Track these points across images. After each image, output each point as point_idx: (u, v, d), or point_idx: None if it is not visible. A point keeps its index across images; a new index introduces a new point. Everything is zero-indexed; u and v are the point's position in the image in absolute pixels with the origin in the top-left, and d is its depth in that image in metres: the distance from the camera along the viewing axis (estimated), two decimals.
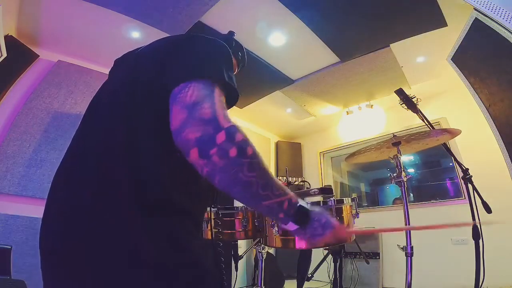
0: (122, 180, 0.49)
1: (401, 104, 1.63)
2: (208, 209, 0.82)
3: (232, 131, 0.47)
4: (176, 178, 0.54)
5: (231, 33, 0.85)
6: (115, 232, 0.46)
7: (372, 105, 3.68)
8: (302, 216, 0.56)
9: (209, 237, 0.79)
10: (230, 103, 0.60)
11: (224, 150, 0.45)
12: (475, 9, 1.59)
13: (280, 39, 2.52)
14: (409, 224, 1.43)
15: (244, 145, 0.47)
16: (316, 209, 0.60)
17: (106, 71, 0.78)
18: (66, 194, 0.52)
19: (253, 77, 2.97)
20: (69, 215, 0.49)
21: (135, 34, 2.29)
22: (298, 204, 0.56)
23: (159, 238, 0.47)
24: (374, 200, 4.59)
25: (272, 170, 4.44)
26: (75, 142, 0.60)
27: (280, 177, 4.22)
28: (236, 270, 1.99)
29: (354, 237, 1.22)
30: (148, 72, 0.60)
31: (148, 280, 0.44)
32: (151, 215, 0.48)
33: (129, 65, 0.69)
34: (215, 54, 0.62)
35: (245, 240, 2.96)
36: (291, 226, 0.56)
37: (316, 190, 1.61)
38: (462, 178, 1.48)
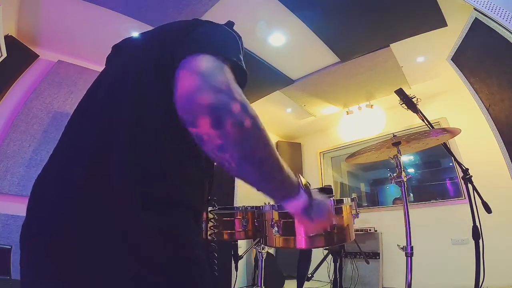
0: (120, 168, 0.46)
1: (401, 104, 1.63)
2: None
3: (246, 103, 0.44)
4: (177, 166, 0.52)
5: (230, 23, 0.83)
6: (111, 227, 0.43)
7: (372, 105, 3.68)
8: (309, 191, 0.56)
9: (204, 236, 0.78)
10: (240, 86, 0.58)
11: (240, 121, 0.42)
12: (475, 9, 1.59)
13: (280, 39, 2.52)
14: (409, 225, 1.42)
15: (256, 118, 0.45)
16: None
17: None
18: (58, 186, 0.48)
19: (253, 77, 2.93)
20: (61, 208, 0.45)
21: (135, 34, 2.29)
22: (299, 180, 0.56)
23: (158, 234, 0.45)
24: (374, 200, 4.59)
25: None
26: (67, 133, 0.57)
27: None
28: (236, 270, 1.98)
29: (354, 237, 1.21)
30: (156, 50, 0.57)
31: (145, 278, 0.43)
32: (151, 209, 0.45)
33: (133, 48, 0.66)
34: (227, 36, 0.60)
35: (245, 240, 2.96)
36: (302, 203, 0.56)
37: (316, 190, 1.61)
38: (462, 178, 1.48)
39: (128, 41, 0.72)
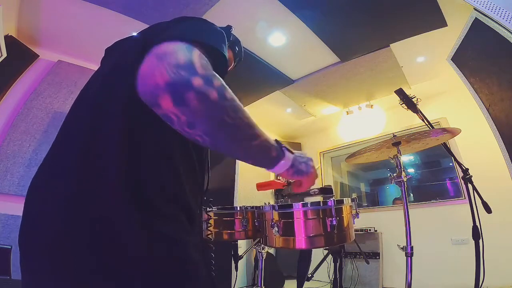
0: (111, 168, 0.46)
1: (401, 104, 1.63)
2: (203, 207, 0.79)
3: (210, 76, 0.43)
4: (171, 165, 0.52)
5: (229, 27, 0.81)
6: (104, 227, 0.43)
7: (372, 105, 3.68)
8: (291, 150, 0.58)
9: (201, 236, 0.77)
10: (219, 73, 0.55)
11: (203, 93, 0.40)
12: (475, 9, 1.59)
13: (280, 39, 2.52)
14: (409, 225, 1.42)
15: (223, 89, 0.43)
16: None
17: None
18: (52, 186, 0.49)
19: (253, 77, 2.97)
20: (55, 208, 0.46)
21: (135, 34, 2.29)
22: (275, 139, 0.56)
23: (150, 234, 0.45)
24: (374, 200, 4.59)
25: None
26: (60, 134, 0.57)
27: (280, 178, 4.21)
28: (236, 270, 1.98)
29: (354, 237, 1.21)
30: (138, 47, 0.56)
31: (138, 278, 0.43)
32: (143, 209, 0.45)
33: (122, 47, 0.67)
34: (207, 26, 0.58)
35: (245, 240, 2.96)
36: (286, 163, 0.56)
37: (316, 190, 1.60)
38: (462, 178, 1.48)
39: (119, 42, 0.72)
